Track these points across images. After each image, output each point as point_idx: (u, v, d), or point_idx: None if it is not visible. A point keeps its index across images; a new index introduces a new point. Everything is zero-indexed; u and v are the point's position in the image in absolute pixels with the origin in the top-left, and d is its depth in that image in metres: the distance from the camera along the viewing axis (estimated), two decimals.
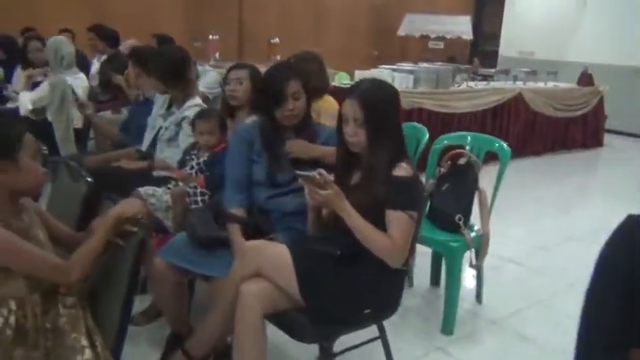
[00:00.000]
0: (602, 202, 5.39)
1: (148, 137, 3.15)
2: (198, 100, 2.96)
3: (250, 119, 2.46)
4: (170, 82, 2.87)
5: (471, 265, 2.71)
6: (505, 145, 2.86)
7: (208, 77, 4.15)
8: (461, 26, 10.15)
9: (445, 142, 3.04)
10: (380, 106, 1.91)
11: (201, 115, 2.65)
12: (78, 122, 4.14)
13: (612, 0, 9.15)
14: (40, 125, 3.90)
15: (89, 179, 1.92)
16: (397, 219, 1.85)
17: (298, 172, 1.91)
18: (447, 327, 2.69)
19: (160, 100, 3.11)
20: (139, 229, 1.51)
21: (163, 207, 2.59)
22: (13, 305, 1.37)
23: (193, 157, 2.68)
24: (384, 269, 1.88)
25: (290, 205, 2.22)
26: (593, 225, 4.15)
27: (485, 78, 7.36)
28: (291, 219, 2.23)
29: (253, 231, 2.17)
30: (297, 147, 2.24)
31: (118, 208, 1.52)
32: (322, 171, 1.87)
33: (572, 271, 3.37)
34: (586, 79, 7.86)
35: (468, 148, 2.89)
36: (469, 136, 2.97)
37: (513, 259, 3.68)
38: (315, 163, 2.11)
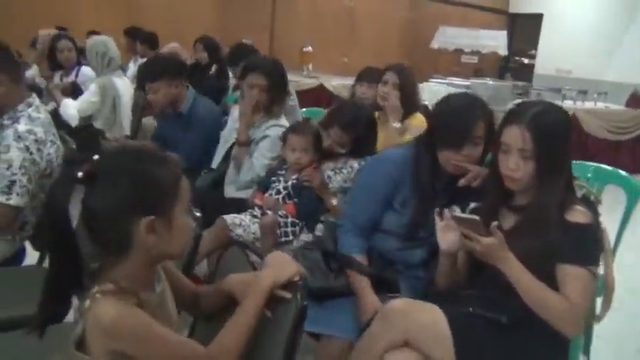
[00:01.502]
0: None
1: (220, 152, 2.82)
2: (284, 121, 2.62)
3: (398, 150, 1.96)
4: (279, 95, 2.54)
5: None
6: (634, 179, 2.50)
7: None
8: (496, 41, 9.85)
9: None
10: (554, 135, 1.55)
11: (296, 128, 2.32)
12: (126, 129, 3.80)
13: None
14: (85, 134, 3.55)
15: (197, 214, 1.54)
16: (577, 276, 1.49)
17: (456, 214, 1.55)
18: None
19: (235, 113, 2.77)
20: (294, 294, 1.15)
21: (250, 239, 2.24)
22: None
23: (280, 178, 2.33)
24: (556, 338, 1.52)
25: (418, 257, 1.86)
26: None
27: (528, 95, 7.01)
28: (414, 269, 1.88)
29: (375, 284, 1.80)
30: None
31: (270, 275, 1.15)
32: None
33: None
34: (636, 100, 7.52)
35: (585, 181, 2.52)
36: (591, 167, 2.60)
37: None
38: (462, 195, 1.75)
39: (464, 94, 1.92)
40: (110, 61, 3.78)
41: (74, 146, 2.22)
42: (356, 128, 2.26)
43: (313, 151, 2.29)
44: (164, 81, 2.82)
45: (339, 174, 2.33)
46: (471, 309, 1.56)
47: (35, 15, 5.94)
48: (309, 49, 8.29)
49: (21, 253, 2.15)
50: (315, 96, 6.70)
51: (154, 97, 2.87)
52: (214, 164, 2.83)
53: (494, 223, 1.50)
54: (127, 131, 3.84)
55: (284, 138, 2.35)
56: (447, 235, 1.59)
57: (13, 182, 1.91)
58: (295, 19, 8.99)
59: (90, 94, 3.69)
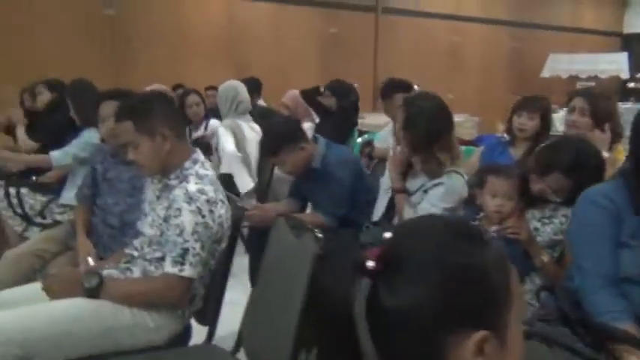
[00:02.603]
0: None
1: (381, 203, 2.49)
2: (461, 168, 2.27)
3: (601, 186, 1.68)
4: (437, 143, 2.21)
5: None
6: None
7: None
8: (617, 64, 9.09)
9: None
10: None
11: (498, 170, 1.95)
12: (252, 177, 3.61)
13: None
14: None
15: (319, 235, 1.56)
16: None
17: None
18: None
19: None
20: None
21: None
22: None
23: None
24: None
25: None
26: None
27: None
28: None
29: None
30: None
31: None
32: None
33: None
34: None
35: None
36: None
37: None
38: None
39: None
40: (239, 105, 3.64)
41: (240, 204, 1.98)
42: (583, 173, 1.84)
43: (518, 197, 1.91)
44: (285, 151, 2.57)
45: (548, 224, 1.92)
46: None
47: (154, 73, 6.07)
48: (417, 88, 8.02)
49: (187, 330, 1.90)
50: None
51: (285, 170, 2.65)
52: (376, 216, 2.51)
53: None
54: (252, 180, 3.64)
55: (481, 181, 1.98)
56: None
57: (185, 250, 1.67)
58: (398, 59, 8.77)
59: (227, 140, 3.52)
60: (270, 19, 7.70)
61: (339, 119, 4.32)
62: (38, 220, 3.12)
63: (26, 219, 3.12)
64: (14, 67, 5.54)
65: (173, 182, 1.79)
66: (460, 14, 9.45)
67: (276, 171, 3.81)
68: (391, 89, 3.17)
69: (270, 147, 2.57)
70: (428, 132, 2.14)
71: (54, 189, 3.28)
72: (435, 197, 2.20)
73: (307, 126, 4.64)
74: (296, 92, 4.89)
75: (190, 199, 1.69)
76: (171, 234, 1.69)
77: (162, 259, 1.76)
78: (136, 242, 1.87)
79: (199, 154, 1.86)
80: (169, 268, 1.67)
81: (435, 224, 0.75)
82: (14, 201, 3.15)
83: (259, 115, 3.98)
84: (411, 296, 0.67)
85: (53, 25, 6.13)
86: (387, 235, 0.70)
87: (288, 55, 7.80)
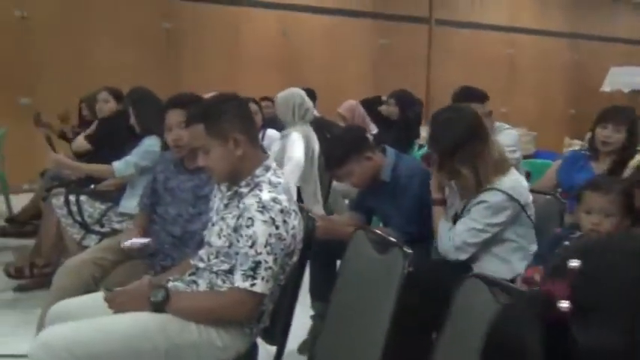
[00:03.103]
0: None
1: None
2: (506, 186, 2.03)
3: None
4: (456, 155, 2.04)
5: None
6: None
7: (508, 138, 3.02)
8: None
9: None
10: None
11: (594, 185, 1.76)
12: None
13: None
14: None
15: (408, 251, 1.46)
16: None
17: None
18: None
19: None
20: None
21: None
22: None
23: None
24: None
25: None
26: None
27: None
28: None
29: None
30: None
31: None
32: None
33: None
34: None
35: None
36: None
37: None
38: None
39: None
40: (306, 112, 3.54)
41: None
42: None
43: (621, 214, 1.71)
44: (352, 161, 2.42)
45: None
46: None
47: (208, 86, 6.06)
48: None
49: (253, 349, 1.78)
50: None
51: (351, 182, 2.49)
52: None
53: None
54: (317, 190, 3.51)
55: (579, 198, 1.80)
56: None
57: (257, 263, 1.55)
58: (451, 72, 8.57)
59: (298, 147, 3.41)
60: (324, 32, 7.66)
61: (401, 130, 4.16)
62: (96, 228, 3.08)
63: (85, 227, 3.09)
64: (73, 78, 5.66)
65: (244, 190, 1.68)
66: (515, 25, 9.20)
67: (334, 184, 3.69)
68: (464, 98, 2.97)
69: (337, 157, 2.43)
70: (445, 145, 2.02)
71: (113, 197, 3.25)
72: (477, 213, 2.02)
73: None
74: (353, 102, 4.79)
75: (263, 208, 1.57)
76: (242, 245, 1.57)
77: (230, 271, 1.65)
78: (202, 253, 1.77)
79: (271, 161, 1.75)
80: (239, 282, 1.56)
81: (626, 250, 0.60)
82: (73, 209, 3.13)
83: (316, 126, 3.87)
84: (607, 336, 0.52)
85: (111, 39, 6.24)
86: (574, 264, 0.55)
87: (340, 66, 7.72)
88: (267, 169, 1.71)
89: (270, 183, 1.66)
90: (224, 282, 1.66)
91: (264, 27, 7.23)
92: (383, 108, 4.53)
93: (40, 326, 1.97)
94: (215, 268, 1.69)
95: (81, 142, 4.03)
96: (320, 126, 4.14)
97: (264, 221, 1.56)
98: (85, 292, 1.99)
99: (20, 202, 4.59)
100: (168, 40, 6.68)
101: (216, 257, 1.69)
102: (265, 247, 1.55)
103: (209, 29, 6.86)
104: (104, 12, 6.28)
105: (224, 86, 6.18)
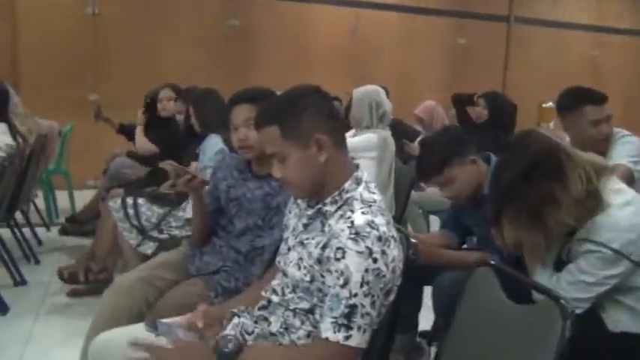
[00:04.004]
0: None
1: None
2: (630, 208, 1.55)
3: None
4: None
5: None
6: None
7: (629, 147, 2.47)
8: None
9: None
10: None
11: None
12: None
13: None
14: None
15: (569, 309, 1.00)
16: None
17: None
18: None
19: None
20: None
21: None
22: None
23: None
24: None
25: None
26: None
27: None
28: None
29: None
30: None
31: None
32: None
33: None
34: None
35: None
36: None
37: None
38: None
39: None
40: (384, 115, 3.18)
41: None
42: None
43: None
44: (455, 164, 2.02)
45: None
46: None
47: (276, 82, 5.81)
48: (550, 104, 7.22)
49: None
50: None
51: (452, 193, 2.06)
52: None
53: None
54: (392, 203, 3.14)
55: None
56: None
57: (352, 308, 1.20)
58: (531, 73, 8.02)
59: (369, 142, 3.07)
60: (396, 29, 7.31)
61: (488, 133, 3.73)
62: (154, 234, 2.84)
63: (142, 232, 2.85)
64: (141, 76, 5.52)
65: (329, 208, 1.33)
66: (602, 25, 8.49)
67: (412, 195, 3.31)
68: (574, 99, 2.50)
69: (435, 161, 2.03)
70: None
71: (172, 201, 3.00)
72: (586, 263, 1.52)
73: None
74: (432, 103, 4.39)
75: (357, 235, 1.22)
76: (332, 283, 1.22)
77: (310, 311, 1.31)
78: (276, 284, 1.43)
79: (362, 172, 1.39)
80: (329, 333, 1.20)
81: None
82: (130, 212, 2.90)
83: (393, 130, 3.49)
84: None
85: (179, 36, 6.17)
86: None
87: (412, 66, 7.33)
88: (359, 181, 1.36)
89: (362, 201, 1.31)
90: (302, 323, 1.32)
91: (336, 23, 6.94)
92: (470, 109, 4.11)
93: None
94: (292, 305, 1.34)
95: (146, 144, 3.83)
96: (397, 130, 3.77)
97: (359, 252, 1.20)
98: (136, 317, 1.71)
99: (84, 198, 4.50)
100: (235, 37, 6.50)
101: (293, 292, 1.35)
102: (361, 286, 1.19)
103: (277, 25, 6.63)
104: (173, 10, 6.21)
105: (292, 83, 5.95)
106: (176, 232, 2.85)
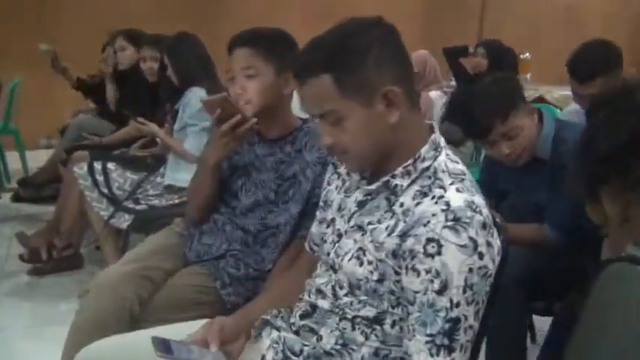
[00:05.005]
0: None
1: None
2: None
3: None
4: None
5: None
6: None
7: None
8: None
9: None
10: None
11: None
12: None
13: None
14: None
15: None
16: None
17: None
18: None
19: None
20: None
21: None
22: None
23: None
24: None
25: None
26: None
27: None
28: None
29: None
30: None
31: None
32: None
33: None
34: None
35: None
36: None
37: None
38: None
39: None
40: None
41: None
42: None
43: None
44: (519, 112, 1.68)
45: None
46: None
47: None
48: (527, 56, 7.00)
49: None
50: None
51: (518, 149, 1.71)
52: None
53: None
54: None
55: None
56: None
57: (455, 322, 0.88)
58: (508, 23, 7.75)
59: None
60: None
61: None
62: (129, 204, 2.44)
63: (113, 202, 2.45)
64: (102, 23, 4.91)
65: (399, 182, 0.99)
66: None
67: None
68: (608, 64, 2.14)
69: (499, 109, 1.66)
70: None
71: (148, 166, 2.60)
72: None
73: (435, 95, 3.82)
74: (424, 53, 4.02)
75: (456, 221, 0.88)
76: (421, 287, 0.89)
77: (377, 320, 0.98)
78: (321, 282, 1.08)
79: (440, 136, 1.04)
80: (425, 356, 0.88)
81: None
82: (99, 179, 2.48)
83: None
84: None
85: None
86: None
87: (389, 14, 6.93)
88: (437, 147, 1.02)
89: (450, 173, 0.97)
90: (366, 337, 0.99)
91: None
92: (464, 60, 3.80)
93: None
94: (350, 313, 1.01)
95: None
96: None
97: (461, 246, 0.87)
98: (127, 321, 1.35)
99: (37, 159, 4.03)
100: None
101: (352, 294, 1.01)
102: (464, 292, 0.88)
103: None
104: None
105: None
106: (155, 202, 2.46)
